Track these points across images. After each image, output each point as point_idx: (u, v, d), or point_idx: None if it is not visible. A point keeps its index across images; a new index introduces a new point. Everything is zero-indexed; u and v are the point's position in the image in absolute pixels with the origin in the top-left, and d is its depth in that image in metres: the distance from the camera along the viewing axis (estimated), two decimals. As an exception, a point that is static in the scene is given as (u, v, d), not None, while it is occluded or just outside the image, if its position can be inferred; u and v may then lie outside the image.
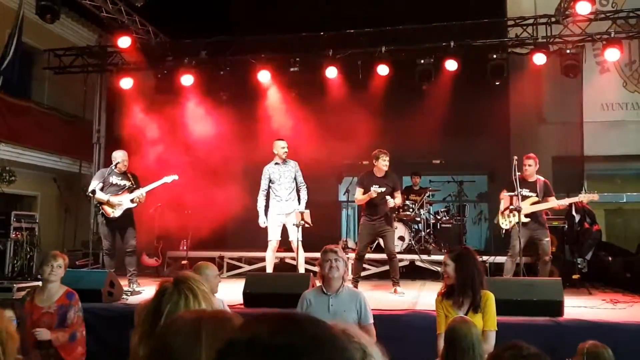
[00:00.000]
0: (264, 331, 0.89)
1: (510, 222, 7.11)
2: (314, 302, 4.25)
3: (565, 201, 7.20)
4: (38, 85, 11.69)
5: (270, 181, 7.68)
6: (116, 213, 7.38)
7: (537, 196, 7.03)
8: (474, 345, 3.06)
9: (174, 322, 1.33)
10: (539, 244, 7.07)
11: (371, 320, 4.23)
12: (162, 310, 1.78)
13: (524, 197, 6.87)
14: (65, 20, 11.37)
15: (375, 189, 7.19)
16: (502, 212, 7.22)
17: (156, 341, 1.34)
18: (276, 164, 7.70)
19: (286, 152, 7.66)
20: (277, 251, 7.91)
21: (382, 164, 7.35)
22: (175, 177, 7.77)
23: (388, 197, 7.21)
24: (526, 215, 6.87)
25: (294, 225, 7.29)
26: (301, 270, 7.45)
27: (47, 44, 10.84)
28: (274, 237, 7.61)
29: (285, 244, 8.00)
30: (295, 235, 7.37)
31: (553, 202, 7.08)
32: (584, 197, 6.99)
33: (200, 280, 1.84)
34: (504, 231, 7.27)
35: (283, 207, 7.60)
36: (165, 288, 1.83)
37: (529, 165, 7.05)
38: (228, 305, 5.99)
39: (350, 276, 6.60)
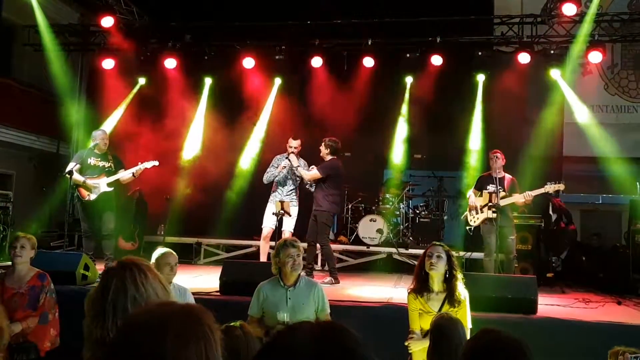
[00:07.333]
0: (305, 338, 0.96)
1: (477, 218, 7.13)
2: (271, 295, 4.13)
3: (533, 192, 7.04)
4: (18, 62, 11.41)
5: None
6: (92, 196, 7.28)
7: (504, 191, 7.08)
8: (462, 344, 3.05)
9: (138, 315, 1.29)
10: (503, 241, 7.05)
11: (328, 310, 4.23)
12: (109, 286, 1.80)
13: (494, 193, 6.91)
14: (48, -4, 11.09)
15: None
16: (480, 209, 7.21)
17: (119, 335, 1.29)
18: (286, 157, 7.62)
19: (293, 152, 7.55)
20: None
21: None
22: (156, 163, 7.64)
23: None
24: (494, 211, 6.88)
25: (272, 214, 7.22)
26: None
27: (27, 20, 10.57)
28: (267, 224, 7.49)
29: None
30: (284, 225, 7.31)
31: (520, 196, 7.07)
32: (549, 188, 6.98)
33: (145, 259, 1.95)
34: (472, 228, 7.30)
35: (280, 199, 7.45)
36: (109, 267, 1.96)
37: (497, 159, 7.09)
38: (205, 293, 5.99)
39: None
